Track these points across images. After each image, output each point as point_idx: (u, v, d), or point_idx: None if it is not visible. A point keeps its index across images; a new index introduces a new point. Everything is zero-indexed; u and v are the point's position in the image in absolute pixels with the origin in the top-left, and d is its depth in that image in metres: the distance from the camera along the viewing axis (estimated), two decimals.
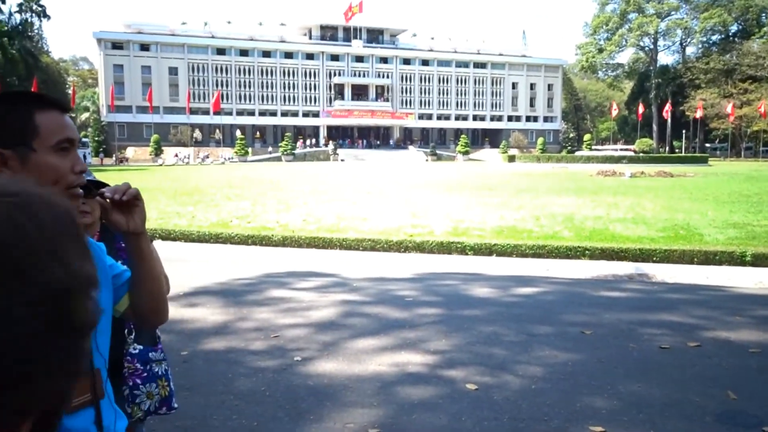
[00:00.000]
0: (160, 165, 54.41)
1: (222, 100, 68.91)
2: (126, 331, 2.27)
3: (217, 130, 70.34)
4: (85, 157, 43.47)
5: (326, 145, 71.00)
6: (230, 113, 72.65)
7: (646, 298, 6.80)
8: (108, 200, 1.33)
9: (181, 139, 66.55)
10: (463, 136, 74.25)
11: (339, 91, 78.22)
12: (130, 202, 1.33)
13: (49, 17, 62.26)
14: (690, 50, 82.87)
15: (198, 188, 22.24)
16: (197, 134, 70.45)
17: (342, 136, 75.95)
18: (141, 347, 2.19)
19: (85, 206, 1.87)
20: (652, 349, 4.89)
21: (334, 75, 78.07)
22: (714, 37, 79.26)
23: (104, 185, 1.69)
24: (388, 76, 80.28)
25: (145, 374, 2.16)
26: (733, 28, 78.26)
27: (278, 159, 62.31)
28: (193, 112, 70.55)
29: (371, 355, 4.70)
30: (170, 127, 68.43)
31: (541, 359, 4.63)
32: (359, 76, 79.34)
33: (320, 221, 12.25)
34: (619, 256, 8.74)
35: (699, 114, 66.81)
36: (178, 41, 72.37)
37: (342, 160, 62.91)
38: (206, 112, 71.36)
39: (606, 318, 5.81)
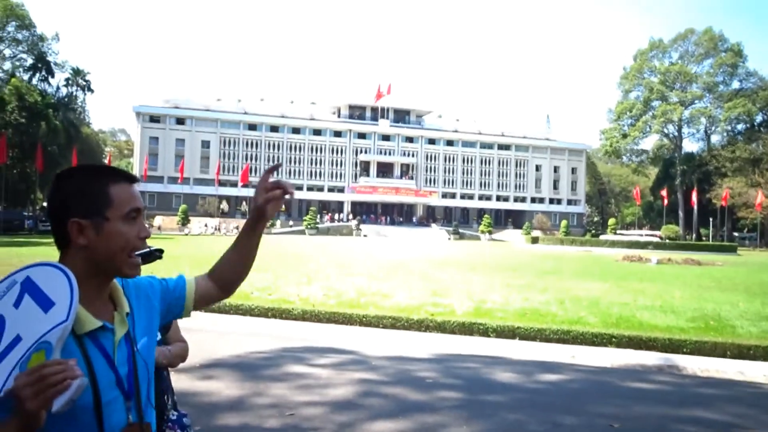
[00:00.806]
0: (186, 234, 55.26)
1: (250, 173, 70.70)
2: (165, 396, 2.37)
3: (244, 202, 71.66)
4: None
5: (349, 220, 71.67)
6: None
7: (678, 391, 6.50)
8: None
9: (208, 209, 67.86)
10: (486, 215, 74.47)
11: (365, 168, 79.78)
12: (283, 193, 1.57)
13: (92, 91, 65.66)
14: (715, 138, 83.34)
15: None
16: (224, 205, 71.83)
17: (366, 211, 76.75)
18: (177, 413, 2.30)
19: None
20: None
21: (361, 152, 79.92)
22: (739, 126, 79.73)
23: (161, 251, 2.31)
24: (413, 155, 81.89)
25: None
26: (759, 118, 78.75)
27: (302, 232, 62.89)
28: (222, 183, 72.33)
29: None
30: (198, 198, 70.02)
31: None
32: (385, 154, 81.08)
33: (341, 296, 12.16)
34: (648, 345, 8.44)
35: (725, 202, 66.28)
36: (212, 116, 75.30)
37: (365, 236, 63.21)
38: (234, 184, 73.07)
39: (636, 411, 5.54)
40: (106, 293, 1.40)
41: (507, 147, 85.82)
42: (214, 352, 7.39)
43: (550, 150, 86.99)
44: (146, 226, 1.42)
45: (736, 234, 78.18)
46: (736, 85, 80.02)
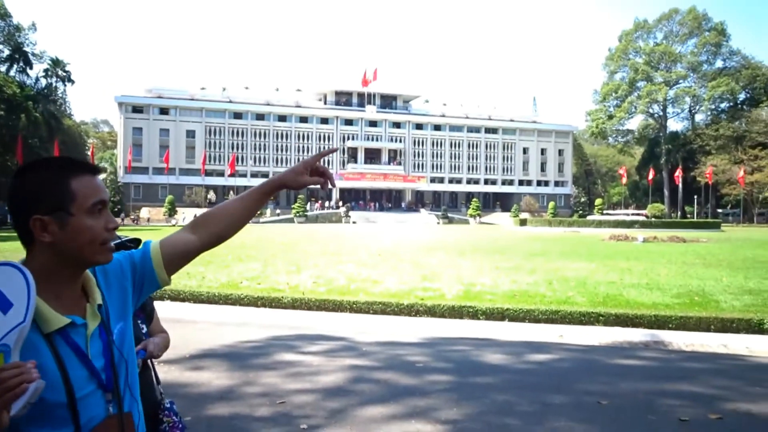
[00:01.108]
0: (173, 225, 54.95)
1: (237, 162, 70.26)
2: (158, 385, 2.44)
3: (231, 192, 71.34)
4: None
5: (338, 207, 71.61)
6: (245, 175, 73.88)
7: (664, 366, 6.60)
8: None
9: (195, 200, 67.50)
10: (474, 199, 74.71)
11: (352, 155, 79.58)
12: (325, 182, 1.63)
13: (73, 82, 64.64)
14: (699, 117, 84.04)
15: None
16: (211, 195, 71.48)
17: (354, 198, 76.68)
18: (169, 401, 2.36)
19: None
20: (672, 421, 4.70)
21: (348, 139, 79.64)
22: (722, 105, 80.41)
23: (135, 241, 2.24)
24: (400, 141, 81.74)
25: (181, 425, 2.34)
26: (741, 96, 79.41)
27: (290, 220, 62.76)
28: (208, 173, 71.86)
29: (380, 423, 4.56)
30: (185, 188, 69.56)
31: (557, 431, 4.46)
32: (372, 140, 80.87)
33: (331, 283, 12.18)
34: (634, 322, 8.55)
35: (710, 180, 66.97)
36: (197, 105, 74.60)
37: (354, 222, 63.21)
38: (221, 174, 72.67)
39: (623, 387, 5.63)
40: (78, 286, 1.39)
41: (494, 130, 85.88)
42: (204, 342, 7.39)
43: (536, 132, 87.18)
44: (112, 216, 1.39)
45: (720, 211, 79.10)
46: (719, 64, 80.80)
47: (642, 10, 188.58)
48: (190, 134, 74.26)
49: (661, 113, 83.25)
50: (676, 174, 72.23)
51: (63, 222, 1.31)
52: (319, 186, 1.64)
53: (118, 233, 2.10)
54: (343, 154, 79.39)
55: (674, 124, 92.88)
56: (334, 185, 1.65)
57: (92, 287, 1.41)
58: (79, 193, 1.33)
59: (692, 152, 76.42)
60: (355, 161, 79.00)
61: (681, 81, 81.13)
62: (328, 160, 78.07)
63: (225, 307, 10.32)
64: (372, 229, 48.79)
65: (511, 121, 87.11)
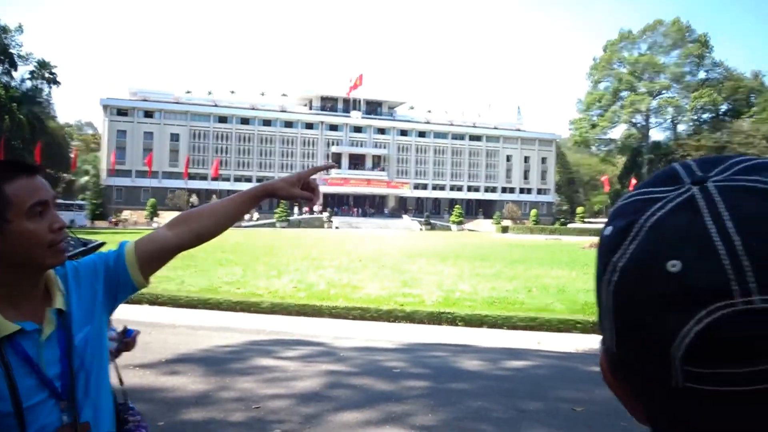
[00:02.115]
0: (155, 228, 54.48)
1: (221, 166, 69.85)
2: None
3: (214, 196, 70.86)
4: (73, 222, 43.33)
5: (321, 212, 71.46)
6: (228, 179, 73.45)
7: None
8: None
9: (178, 203, 66.93)
10: (457, 206, 74.91)
11: (336, 160, 79.47)
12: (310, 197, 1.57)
13: (59, 84, 63.93)
14: (681, 127, 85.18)
15: (189, 253, 22.07)
16: (194, 199, 70.93)
17: (338, 203, 76.56)
18: (130, 401, 2.37)
19: None
20: (644, 429, 4.74)
21: (333, 144, 79.57)
22: (704, 116, 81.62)
23: (100, 244, 2.17)
24: (385, 147, 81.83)
25: (145, 424, 2.31)
26: (723, 108, 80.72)
27: (272, 225, 62.47)
28: (192, 177, 71.34)
29: (354, 429, 4.55)
30: (167, 192, 68.99)
31: None
32: (357, 145, 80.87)
33: (311, 288, 12.15)
34: None
35: None
36: (182, 109, 74.10)
37: (336, 228, 63.08)
38: (204, 178, 72.17)
39: (597, 394, 5.67)
40: (38, 290, 1.35)
41: (478, 138, 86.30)
42: (181, 347, 7.33)
43: (520, 140, 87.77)
44: (57, 216, 1.33)
45: None
46: (702, 75, 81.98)
47: (627, 21, 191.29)
48: (174, 137, 73.69)
49: (643, 123, 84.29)
50: None
51: (1, 229, 1.25)
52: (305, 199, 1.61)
53: (94, 237, 2.08)
54: (328, 159, 79.23)
55: (656, 134, 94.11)
56: (314, 203, 1.65)
57: (54, 291, 1.36)
58: (15, 198, 1.26)
59: (674, 162, 77.42)
60: (339, 167, 78.93)
61: (664, 91, 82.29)
62: (313, 166, 77.77)
63: (204, 312, 10.25)
64: (354, 234, 48.75)
65: (495, 128, 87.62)
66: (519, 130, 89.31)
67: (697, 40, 79.75)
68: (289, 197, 1.57)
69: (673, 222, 0.40)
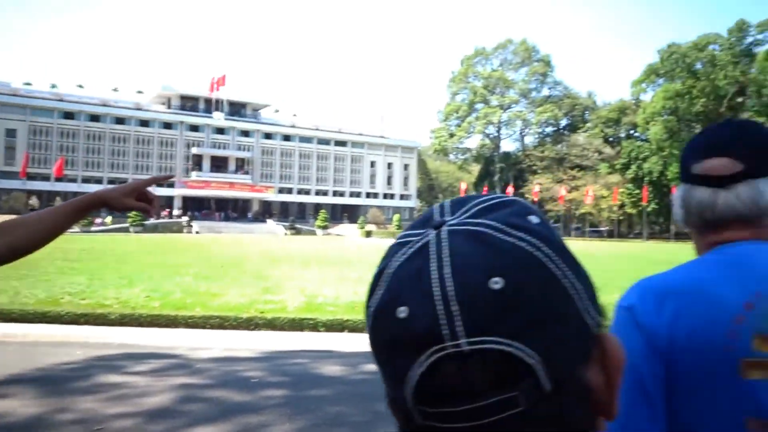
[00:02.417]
0: None
1: (67, 165, 64.23)
2: None
3: (58, 198, 64.93)
4: None
5: (180, 216, 68.17)
6: (75, 180, 67.66)
7: None
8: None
9: (15, 206, 60.46)
10: (322, 210, 75.03)
11: (197, 162, 76.26)
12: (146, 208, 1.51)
13: None
14: (528, 139, 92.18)
15: (26, 260, 20.07)
16: (33, 201, 64.48)
17: (199, 207, 73.45)
18: None
19: None
20: None
21: (193, 145, 76.27)
22: (548, 129, 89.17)
23: None
24: (248, 149, 79.94)
25: None
26: (563, 122, 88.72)
27: (126, 230, 58.54)
28: (31, 177, 64.85)
29: None
30: (2, 193, 62.18)
31: None
32: (220, 147, 78.20)
33: (166, 297, 11.53)
34: None
35: (536, 197, 73.80)
36: (20, 102, 67.11)
37: (197, 233, 60.51)
38: (46, 178, 65.96)
39: None
40: None
41: (343, 143, 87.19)
42: (12, 367, 6.62)
43: (384, 147, 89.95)
44: None
45: None
46: (546, 92, 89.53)
47: (482, 38, 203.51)
48: (11, 133, 66.55)
49: (496, 134, 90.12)
50: (508, 191, 78.46)
51: None
52: (142, 212, 1.52)
53: None
54: (188, 161, 75.84)
55: (507, 145, 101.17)
56: (153, 216, 1.58)
57: None
58: None
59: (522, 171, 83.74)
60: (200, 169, 75.81)
61: (513, 105, 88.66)
62: (171, 168, 74.16)
63: (42, 326, 9.33)
64: (216, 239, 47.07)
65: (360, 135, 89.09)
66: (383, 137, 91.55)
67: (542, 60, 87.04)
68: (123, 208, 1.48)
69: (407, 268, 0.41)
